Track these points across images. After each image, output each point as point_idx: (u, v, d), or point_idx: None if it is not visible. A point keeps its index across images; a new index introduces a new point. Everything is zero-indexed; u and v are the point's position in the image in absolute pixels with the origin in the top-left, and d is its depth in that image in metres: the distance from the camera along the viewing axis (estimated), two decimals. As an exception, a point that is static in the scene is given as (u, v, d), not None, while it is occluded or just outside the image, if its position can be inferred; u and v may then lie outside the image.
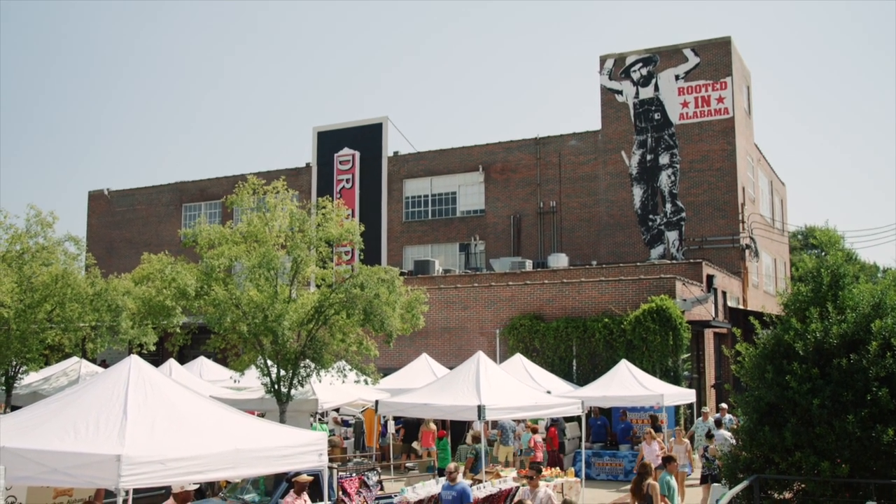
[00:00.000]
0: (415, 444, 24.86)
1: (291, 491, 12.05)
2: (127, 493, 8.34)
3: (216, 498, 15.43)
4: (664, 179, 38.64)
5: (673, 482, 13.61)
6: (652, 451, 19.22)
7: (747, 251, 37.59)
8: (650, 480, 13.24)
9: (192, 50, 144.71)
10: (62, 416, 9.25)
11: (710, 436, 19.61)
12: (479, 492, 14.43)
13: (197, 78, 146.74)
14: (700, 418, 23.30)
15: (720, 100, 37.81)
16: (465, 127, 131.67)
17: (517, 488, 17.05)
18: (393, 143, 46.11)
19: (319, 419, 21.39)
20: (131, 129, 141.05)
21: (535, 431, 22.29)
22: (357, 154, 45.72)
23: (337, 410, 24.99)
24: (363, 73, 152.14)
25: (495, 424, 23.81)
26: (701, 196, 37.73)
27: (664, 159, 38.74)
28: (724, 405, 24.64)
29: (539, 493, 11.52)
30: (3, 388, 20.93)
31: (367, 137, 45.89)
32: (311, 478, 11.85)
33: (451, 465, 14.00)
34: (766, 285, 42.66)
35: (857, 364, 11.59)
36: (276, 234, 18.92)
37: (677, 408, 25.52)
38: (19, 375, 21.19)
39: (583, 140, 41.10)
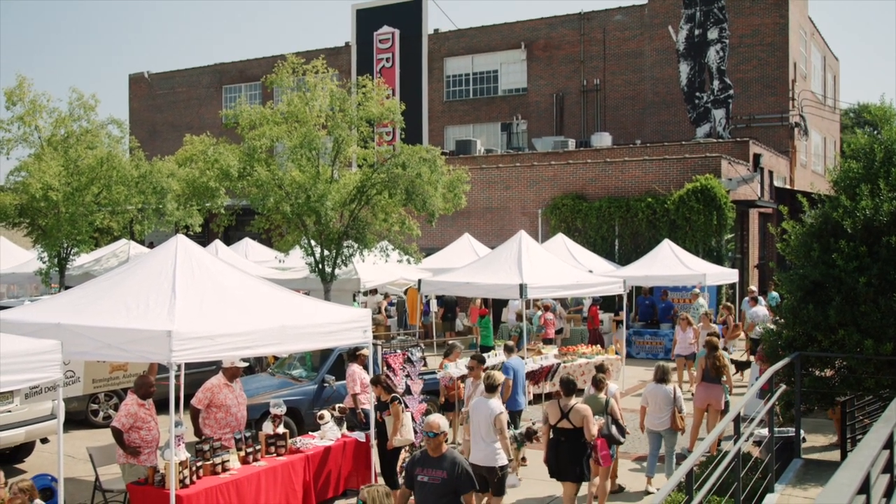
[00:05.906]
0: (463, 319, 25.27)
1: (354, 363, 12.65)
2: (179, 367, 8.58)
3: (264, 374, 15.92)
4: (712, 55, 37.46)
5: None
6: (686, 338, 18.85)
7: (796, 129, 36.65)
8: (719, 354, 13.38)
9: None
10: (114, 295, 9.45)
11: None
12: (520, 368, 14.68)
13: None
14: (747, 298, 23.30)
15: (774, -31, 36.14)
16: (506, 2, 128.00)
17: (558, 365, 17.35)
18: (433, 21, 45.23)
19: (354, 297, 21.74)
20: (169, 11, 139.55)
21: (546, 309, 22.28)
22: (397, 32, 44.81)
23: (365, 293, 25.17)
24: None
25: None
26: (750, 72, 36.59)
27: (713, 34, 37.44)
28: (752, 288, 24.44)
29: (480, 385, 11.25)
30: (57, 268, 21.54)
31: (407, 15, 44.84)
32: (369, 351, 12.09)
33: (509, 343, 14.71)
34: (814, 165, 41.77)
35: (907, 242, 11.37)
36: (316, 113, 18.80)
37: (719, 287, 25.49)
38: (71, 257, 21.76)
39: (628, 15, 39.77)
